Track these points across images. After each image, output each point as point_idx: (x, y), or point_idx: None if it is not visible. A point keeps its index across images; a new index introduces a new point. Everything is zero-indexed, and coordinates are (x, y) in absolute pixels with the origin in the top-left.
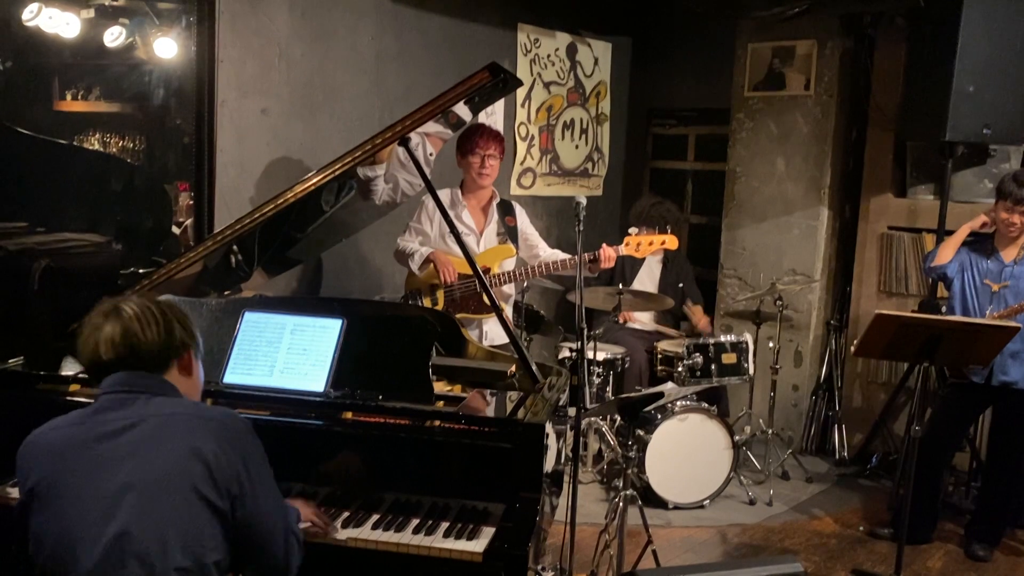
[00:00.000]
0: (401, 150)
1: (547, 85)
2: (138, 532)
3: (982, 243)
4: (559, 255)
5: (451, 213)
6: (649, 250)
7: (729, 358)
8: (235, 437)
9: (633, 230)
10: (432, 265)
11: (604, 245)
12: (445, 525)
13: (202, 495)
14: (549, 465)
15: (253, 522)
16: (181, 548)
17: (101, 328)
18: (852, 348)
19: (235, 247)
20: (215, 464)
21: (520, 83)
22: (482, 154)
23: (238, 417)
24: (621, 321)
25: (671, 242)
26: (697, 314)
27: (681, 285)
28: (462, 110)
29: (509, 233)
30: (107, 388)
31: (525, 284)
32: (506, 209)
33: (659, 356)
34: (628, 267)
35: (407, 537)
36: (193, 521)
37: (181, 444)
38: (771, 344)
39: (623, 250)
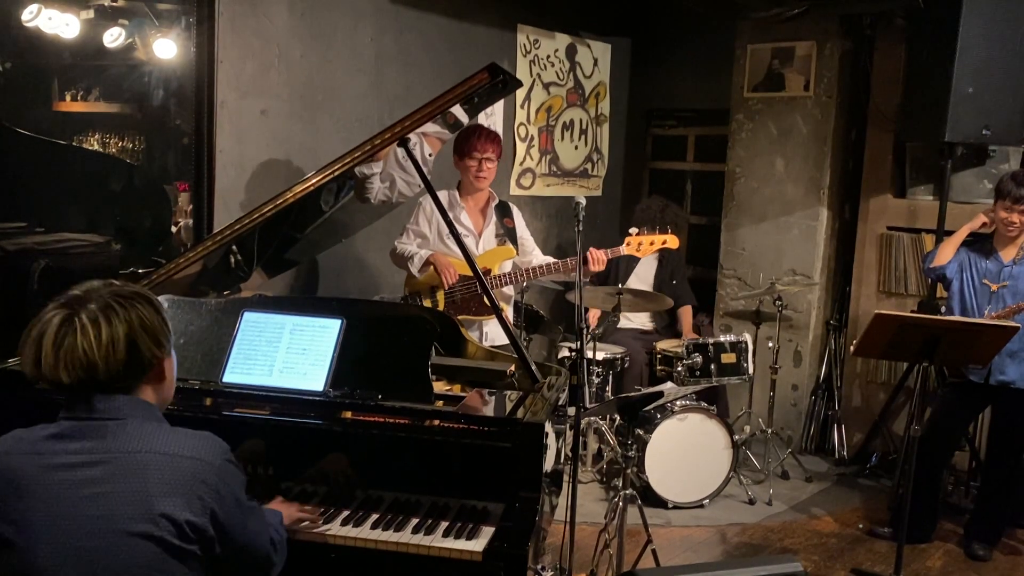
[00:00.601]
0: (400, 150)
1: (547, 86)
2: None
3: (981, 243)
4: (551, 260)
5: (450, 215)
6: (650, 249)
7: (728, 358)
8: (210, 476)
9: (634, 230)
10: (432, 267)
11: (592, 249)
12: (445, 524)
13: (169, 544)
14: (548, 464)
15: (234, 550)
16: None
17: (62, 346)
18: (851, 348)
19: (234, 247)
20: (184, 518)
21: (520, 84)
22: (479, 157)
23: (214, 445)
24: (615, 320)
25: (672, 241)
26: (686, 323)
27: (675, 282)
28: (460, 112)
29: (508, 234)
30: (71, 413)
31: (525, 284)
32: (504, 211)
33: (658, 356)
34: (623, 265)
35: (407, 536)
36: (158, 569)
37: (147, 494)
38: (770, 344)
39: (624, 250)
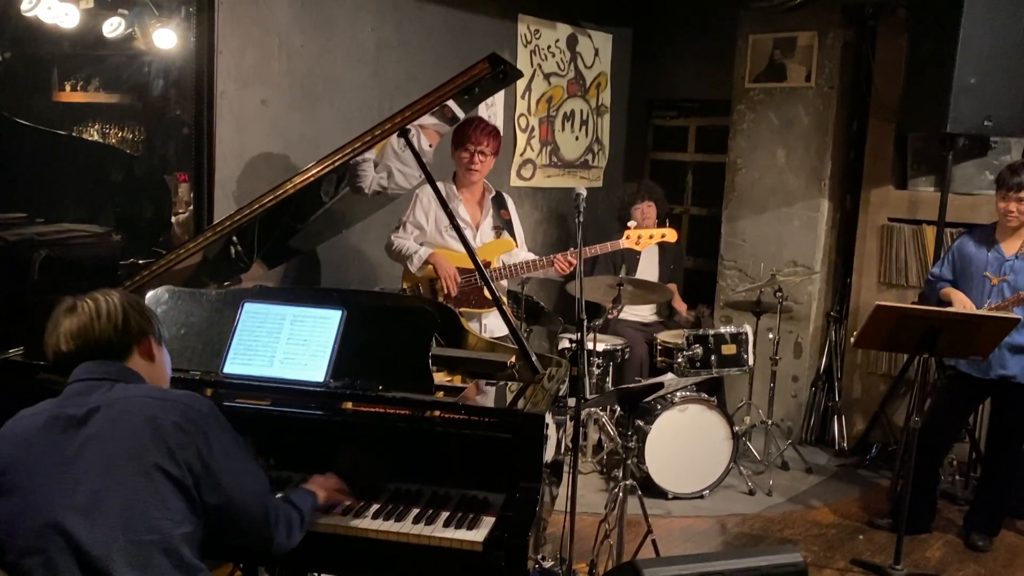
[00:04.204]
0: (399, 140)
1: (547, 76)
2: (99, 513)
3: (984, 234)
4: (530, 256)
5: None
6: (649, 243)
7: (729, 349)
8: (196, 417)
9: (632, 223)
10: (431, 267)
11: (557, 255)
12: (445, 515)
13: (162, 469)
14: (549, 455)
15: (225, 502)
16: (144, 524)
17: (60, 324)
18: (852, 339)
19: (235, 238)
20: (173, 440)
21: (520, 74)
22: (473, 149)
23: (200, 398)
24: (610, 318)
25: (671, 235)
26: (676, 297)
27: (672, 267)
28: (457, 104)
29: (505, 226)
30: (74, 378)
31: (525, 276)
32: (500, 203)
33: (659, 347)
34: (628, 259)
35: (407, 527)
36: (155, 496)
37: (140, 423)
38: (771, 335)
39: (624, 243)
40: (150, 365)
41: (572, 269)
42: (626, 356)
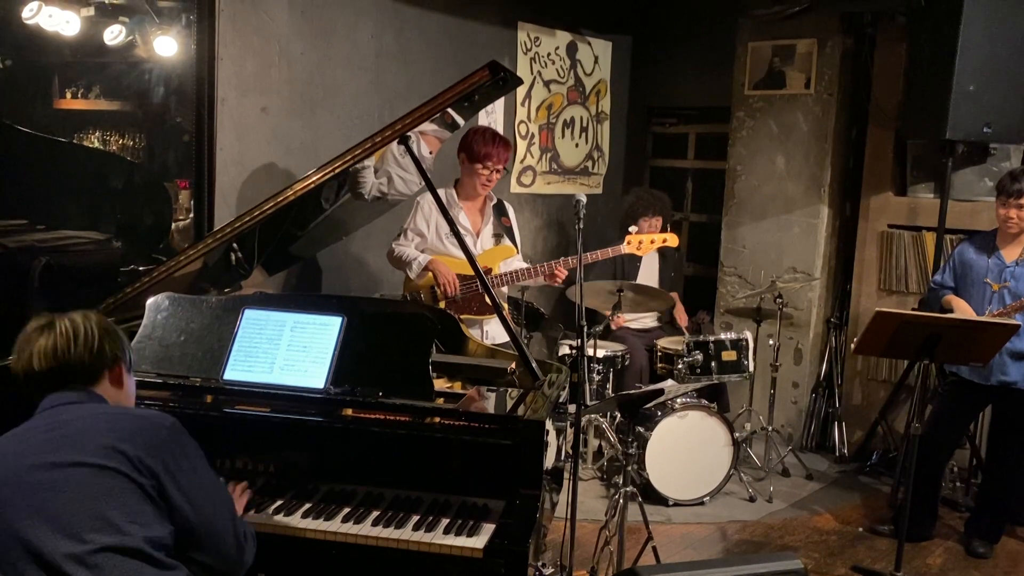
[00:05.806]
0: (399, 147)
1: (547, 83)
2: (65, 520)
3: (984, 241)
4: (523, 265)
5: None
6: (651, 248)
7: (729, 355)
8: (159, 429)
9: (633, 228)
10: (430, 274)
11: (554, 263)
12: (445, 521)
13: (125, 474)
14: (549, 462)
15: (189, 514)
16: (110, 527)
17: (35, 341)
18: (852, 346)
19: (235, 245)
20: (139, 445)
21: (520, 81)
22: (492, 167)
23: (165, 415)
24: (613, 327)
25: (672, 240)
26: (678, 308)
27: (672, 274)
28: (457, 112)
29: (506, 233)
30: (43, 408)
31: (520, 284)
32: (501, 210)
33: (659, 353)
34: (628, 265)
35: (408, 533)
36: (119, 498)
37: (104, 431)
38: (771, 341)
39: (625, 248)
40: (117, 391)
41: (558, 283)
42: (626, 362)
